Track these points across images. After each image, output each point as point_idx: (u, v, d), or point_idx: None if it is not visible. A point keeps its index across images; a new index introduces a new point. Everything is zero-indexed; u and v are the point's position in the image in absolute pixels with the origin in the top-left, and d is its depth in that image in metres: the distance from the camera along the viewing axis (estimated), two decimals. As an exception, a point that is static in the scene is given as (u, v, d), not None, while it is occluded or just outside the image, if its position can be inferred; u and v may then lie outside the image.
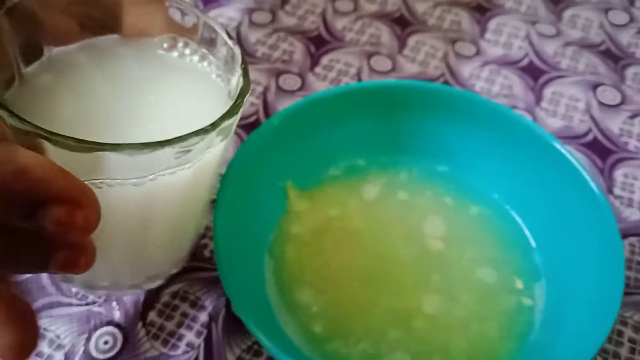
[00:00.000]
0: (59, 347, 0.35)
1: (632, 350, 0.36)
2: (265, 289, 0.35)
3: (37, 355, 0.35)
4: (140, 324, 0.36)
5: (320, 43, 0.55)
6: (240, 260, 0.32)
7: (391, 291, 0.36)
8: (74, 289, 0.37)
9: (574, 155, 0.36)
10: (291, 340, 0.33)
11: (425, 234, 0.38)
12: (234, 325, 0.37)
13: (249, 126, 0.47)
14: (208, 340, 0.36)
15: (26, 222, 0.21)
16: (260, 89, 0.51)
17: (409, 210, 0.39)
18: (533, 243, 0.38)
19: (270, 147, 0.37)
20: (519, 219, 0.39)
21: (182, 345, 0.36)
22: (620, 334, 0.37)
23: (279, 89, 0.51)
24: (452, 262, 0.37)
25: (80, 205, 0.21)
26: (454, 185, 0.41)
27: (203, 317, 0.37)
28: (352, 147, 0.41)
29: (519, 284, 0.36)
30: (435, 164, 0.41)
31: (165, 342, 0.36)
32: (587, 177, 0.35)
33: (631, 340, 0.37)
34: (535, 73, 0.53)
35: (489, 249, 0.38)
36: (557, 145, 0.36)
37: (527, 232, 0.39)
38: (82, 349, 0.35)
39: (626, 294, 0.39)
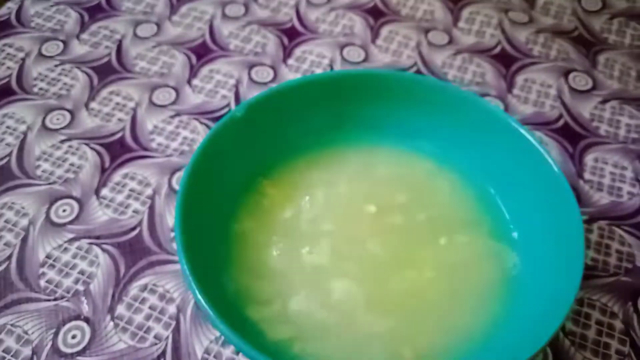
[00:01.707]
0: (27, 342, 0.35)
1: (600, 332, 0.36)
2: (227, 277, 0.35)
3: (5, 351, 0.35)
4: (108, 318, 0.36)
5: (293, 35, 0.55)
6: (201, 248, 0.32)
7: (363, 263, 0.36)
8: (42, 284, 0.37)
9: (538, 140, 0.36)
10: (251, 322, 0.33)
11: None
12: (202, 317, 0.37)
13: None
14: (176, 332, 0.36)
15: None
16: (232, 81, 0.51)
17: (384, 189, 0.40)
18: (507, 216, 0.38)
19: (236, 136, 0.37)
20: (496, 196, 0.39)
21: (150, 338, 0.36)
22: (587, 316, 0.37)
23: (252, 80, 0.51)
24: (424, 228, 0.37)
25: None
26: (430, 162, 0.41)
27: (171, 309, 0.37)
28: (321, 134, 0.41)
29: (495, 248, 0.37)
30: (413, 143, 0.41)
31: (133, 335, 0.36)
32: (551, 162, 0.35)
33: (598, 323, 0.37)
34: (508, 60, 0.53)
35: (466, 214, 0.38)
36: (521, 130, 0.37)
37: (501, 205, 0.39)
38: (50, 344, 0.35)
39: (594, 277, 0.39)
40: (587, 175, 0.44)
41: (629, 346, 0.36)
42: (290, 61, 0.53)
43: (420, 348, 0.33)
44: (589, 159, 0.46)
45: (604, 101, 0.50)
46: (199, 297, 0.29)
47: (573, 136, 0.47)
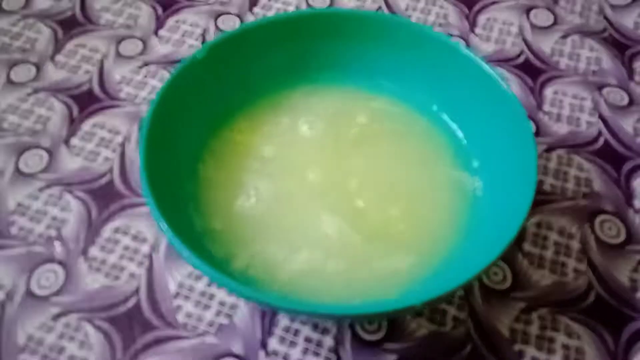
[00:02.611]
0: None
1: (557, 252, 0.38)
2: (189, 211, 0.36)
3: (-19, 294, 0.36)
4: (82, 259, 0.37)
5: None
6: (165, 185, 0.33)
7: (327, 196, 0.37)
8: (13, 231, 0.38)
9: (492, 68, 0.37)
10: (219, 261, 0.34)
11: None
12: (175, 253, 0.38)
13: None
14: (150, 270, 0.37)
15: None
16: (199, 30, 0.51)
17: (347, 126, 0.40)
18: (468, 145, 0.39)
19: (198, 78, 0.37)
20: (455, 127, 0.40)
21: (124, 276, 0.37)
22: (545, 238, 0.39)
23: (219, 30, 0.51)
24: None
25: None
26: (390, 99, 0.42)
27: (145, 248, 0.38)
28: (283, 76, 0.41)
29: (458, 176, 0.38)
30: (376, 81, 0.42)
31: (107, 274, 0.37)
32: (504, 87, 0.36)
33: (556, 243, 0.38)
34: (469, 1, 0.54)
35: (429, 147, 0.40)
36: (476, 59, 0.37)
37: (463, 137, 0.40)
38: (24, 288, 0.36)
39: (552, 201, 0.40)
40: (546, 107, 0.45)
41: (587, 265, 0.38)
42: (257, 9, 0.53)
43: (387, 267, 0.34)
44: (548, 92, 0.47)
45: (565, 36, 0.51)
46: (165, 228, 0.30)
47: (533, 71, 0.48)
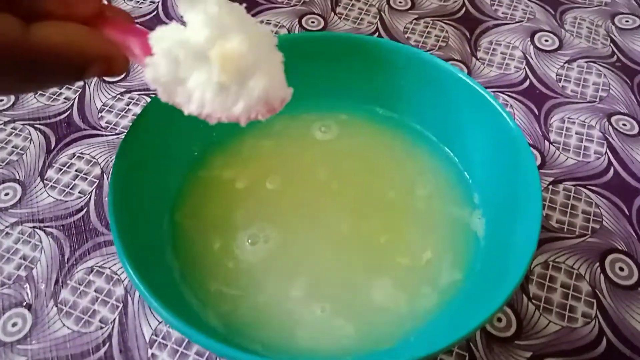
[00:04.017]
0: (-35, 332, 0.34)
1: (565, 296, 0.35)
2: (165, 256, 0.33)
3: (-59, 342, 0.33)
4: (51, 303, 0.35)
5: (249, 4, 0.53)
6: (137, 226, 0.30)
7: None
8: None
9: (493, 97, 0.35)
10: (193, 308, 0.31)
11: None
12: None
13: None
14: (123, 315, 0.34)
15: None
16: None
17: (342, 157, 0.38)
18: (469, 179, 0.37)
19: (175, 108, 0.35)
20: (456, 159, 0.38)
21: (96, 322, 0.34)
22: (553, 279, 0.36)
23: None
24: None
25: None
26: (388, 129, 0.39)
27: (119, 291, 0.35)
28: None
29: (458, 211, 0.35)
30: (374, 108, 0.40)
31: (78, 320, 0.34)
32: (506, 117, 0.33)
33: (564, 285, 0.35)
34: (472, 23, 0.51)
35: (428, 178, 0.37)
36: (477, 87, 0.35)
37: (462, 169, 0.37)
38: (-11, 333, 0.34)
39: (560, 239, 0.37)
40: (552, 136, 0.43)
41: (596, 308, 0.35)
42: (247, 33, 0.51)
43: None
44: (554, 119, 0.44)
45: (571, 60, 0.48)
46: (132, 275, 0.27)
47: (538, 97, 0.45)
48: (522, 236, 0.30)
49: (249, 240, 0.34)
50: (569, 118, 0.44)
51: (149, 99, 0.45)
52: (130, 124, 0.43)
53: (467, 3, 0.53)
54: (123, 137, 0.32)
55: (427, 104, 0.38)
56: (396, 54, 0.37)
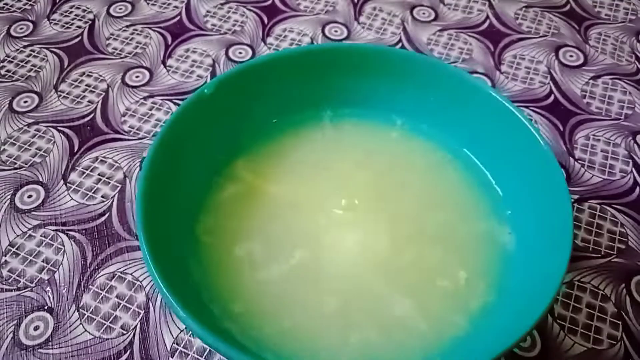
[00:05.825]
0: (-14, 334, 0.33)
1: (591, 317, 0.35)
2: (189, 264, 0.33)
3: (-38, 344, 0.33)
4: (73, 308, 0.35)
5: (273, 12, 0.53)
6: (165, 234, 0.30)
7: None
8: (4, 273, 0.35)
9: (526, 116, 0.34)
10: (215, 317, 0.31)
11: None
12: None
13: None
14: (145, 322, 0.34)
15: None
16: (209, 61, 0.48)
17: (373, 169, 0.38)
18: (500, 192, 0.36)
19: (205, 114, 0.35)
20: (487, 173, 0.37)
21: (117, 328, 0.34)
22: (578, 300, 0.35)
23: (229, 60, 0.49)
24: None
25: None
26: (420, 141, 0.39)
27: (140, 297, 0.35)
28: (293, 112, 0.39)
29: (489, 226, 0.35)
30: (396, 120, 0.39)
31: (99, 326, 0.34)
32: (538, 137, 0.33)
33: (589, 306, 0.35)
34: (496, 36, 0.51)
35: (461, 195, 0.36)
36: (509, 106, 0.34)
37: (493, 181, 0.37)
38: (10, 336, 0.33)
39: (585, 258, 0.37)
40: (577, 154, 0.42)
41: (622, 330, 0.34)
42: (270, 40, 0.51)
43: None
44: (580, 136, 0.44)
45: (596, 76, 0.48)
46: (159, 283, 0.27)
47: (563, 113, 0.45)
48: (552, 257, 0.30)
49: (276, 256, 0.33)
50: (594, 135, 0.44)
51: (172, 104, 0.45)
52: (154, 129, 0.43)
53: (490, 15, 0.53)
54: (151, 144, 0.32)
55: (457, 118, 0.38)
56: (428, 68, 0.37)
